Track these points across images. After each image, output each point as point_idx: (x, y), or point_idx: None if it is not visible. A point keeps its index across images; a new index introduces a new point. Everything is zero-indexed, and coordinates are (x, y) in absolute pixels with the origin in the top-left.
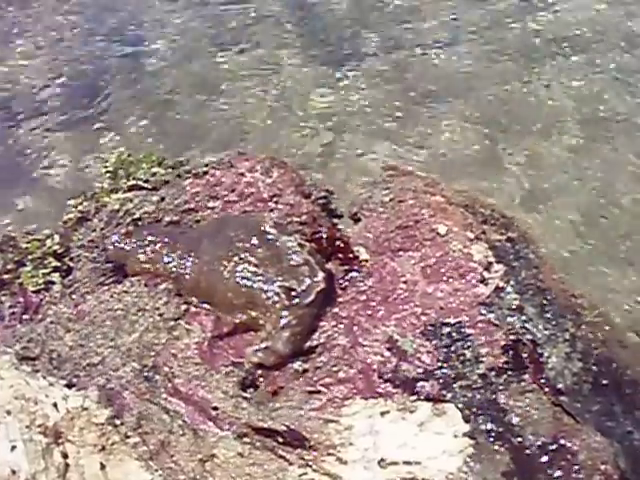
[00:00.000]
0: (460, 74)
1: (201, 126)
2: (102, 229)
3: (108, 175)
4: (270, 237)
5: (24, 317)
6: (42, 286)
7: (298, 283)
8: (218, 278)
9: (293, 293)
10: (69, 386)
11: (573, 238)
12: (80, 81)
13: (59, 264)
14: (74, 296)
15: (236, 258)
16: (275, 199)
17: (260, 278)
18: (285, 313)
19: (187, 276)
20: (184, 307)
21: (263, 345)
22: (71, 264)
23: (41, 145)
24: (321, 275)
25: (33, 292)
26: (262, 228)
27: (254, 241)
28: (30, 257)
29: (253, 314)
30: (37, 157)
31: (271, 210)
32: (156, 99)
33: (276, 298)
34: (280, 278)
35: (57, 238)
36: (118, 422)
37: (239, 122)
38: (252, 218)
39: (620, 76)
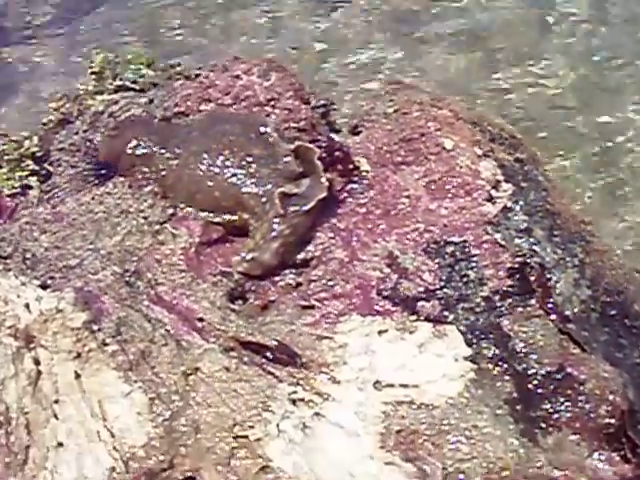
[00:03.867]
0: None
1: (194, 38)
2: (85, 131)
3: (93, 76)
4: (269, 139)
5: None
6: (18, 190)
7: (297, 188)
8: (205, 174)
9: (289, 200)
10: (43, 287)
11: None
12: None
13: (37, 168)
14: (50, 198)
15: (227, 152)
16: (272, 103)
17: (253, 179)
18: (278, 221)
19: (173, 173)
20: (170, 211)
21: (250, 255)
22: (50, 168)
23: (27, 57)
24: (325, 182)
25: (8, 196)
26: (262, 129)
27: (251, 138)
28: (6, 158)
29: (244, 216)
30: (23, 68)
31: (267, 115)
32: (148, 11)
33: (269, 204)
34: (276, 181)
35: (36, 140)
36: (95, 327)
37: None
38: (251, 117)
39: None
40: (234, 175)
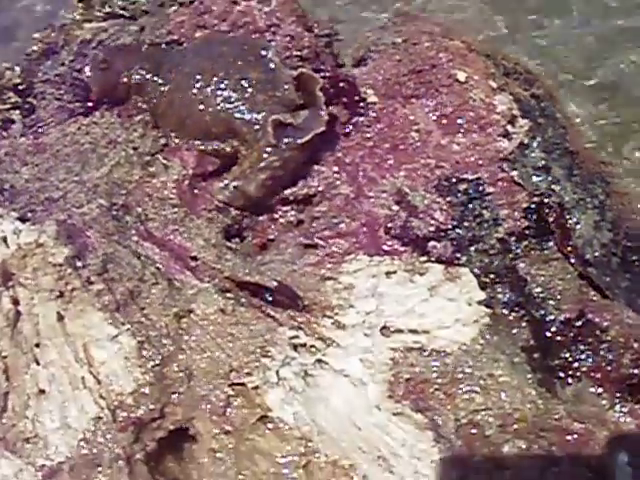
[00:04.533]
0: None
1: None
2: (71, 62)
3: (80, 4)
4: (269, 63)
5: None
6: None
7: (294, 118)
8: (196, 97)
9: (284, 130)
10: (22, 220)
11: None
12: None
13: (20, 101)
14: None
15: (222, 74)
16: (273, 30)
17: (247, 105)
18: (269, 151)
19: (164, 100)
20: (163, 141)
21: (234, 183)
22: (34, 102)
23: None
24: (325, 115)
25: None
26: (262, 52)
27: (249, 60)
28: None
29: (235, 144)
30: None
31: (269, 41)
32: None
33: (261, 132)
34: (272, 109)
35: (18, 71)
36: (79, 264)
37: None
38: (251, 39)
39: None
40: (227, 99)
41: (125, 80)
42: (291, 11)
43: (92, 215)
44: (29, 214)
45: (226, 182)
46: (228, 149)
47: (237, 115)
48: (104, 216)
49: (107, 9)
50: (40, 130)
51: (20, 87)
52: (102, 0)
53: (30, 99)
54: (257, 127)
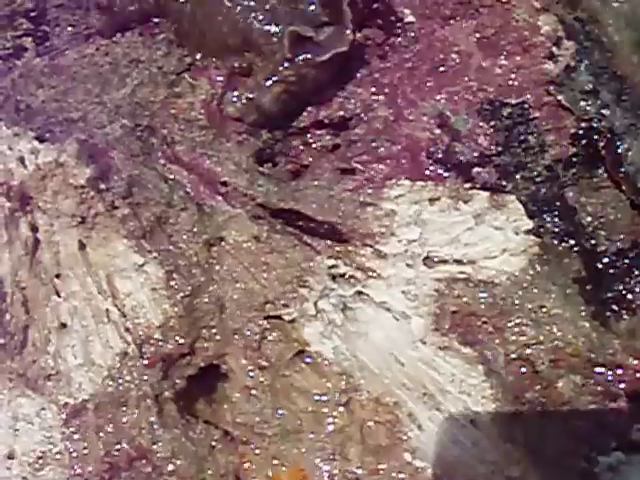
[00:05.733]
0: None
1: None
2: None
3: None
4: None
5: None
6: (11, 51)
7: (315, 33)
8: (216, 8)
9: (303, 45)
10: (40, 140)
11: None
12: None
13: (32, 27)
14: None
15: None
16: None
17: (265, 15)
18: (285, 65)
19: (187, 16)
20: (189, 60)
21: (246, 94)
22: (47, 29)
23: None
24: (349, 34)
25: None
26: None
27: None
28: None
29: (251, 57)
30: None
31: None
32: None
33: (278, 45)
34: (293, 22)
35: None
36: (102, 186)
37: None
38: None
39: None
40: (247, 8)
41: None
42: None
43: (115, 135)
44: (47, 134)
45: (237, 93)
46: (242, 65)
47: (256, 26)
48: (128, 136)
49: None
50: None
51: (32, 13)
52: None
53: (43, 26)
54: (275, 39)
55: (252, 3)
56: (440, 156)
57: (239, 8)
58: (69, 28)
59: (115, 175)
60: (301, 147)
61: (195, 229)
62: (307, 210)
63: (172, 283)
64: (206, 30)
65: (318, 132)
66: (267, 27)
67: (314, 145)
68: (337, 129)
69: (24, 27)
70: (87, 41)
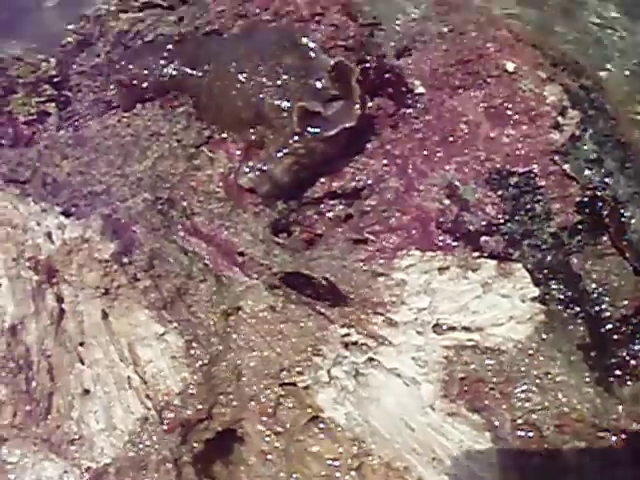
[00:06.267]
0: None
1: None
2: (108, 53)
3: None
4: (308, 51)
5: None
6: (35, 116)
7: (323, 108)
8: (231, 83)
9: (312, 119)
10: (66, 214)
11: None
12: None
13: (56, 93)
14: (71, 122)
15: (257, 59)
16: (317, 18)
17: (277, 90)
18: (295, 139)
19: (205, 91)
20: (207, 133)
21: (259, 165)
22: (70, 94)
23: None
24: (357, 109)
25: (24, 123)
26: (300, 41)
27: (284, 47)
28: (21, 82)
29: (263, 130)
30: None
31: (313, 31)
32: None
33: (288, 119)
34: (304, 97)
35: (54, 63)
36: (126, 260)
37: None
38: (290, 27)
39: None
40: (260, 84)
41: (159, 74)
42: None
43: (137, 209)
44: (72, 208)
45: (251, 164)
46: (256, 138)
47: (267, 100)
48: (149, 210)
49: None
50: (78, 122)
51: (55, 79)
52: None
53: (65, 91)
54: (285, 114)
55: (264, 79)
56: (449, 226)
57: (252, 83)
58: (90, 94)
59: (137, 249)
60: (315, 217)
61: (213, 299)
62: (321, 279)
63: (191, 352)
64: (222, 104)
65: (331, 202)
66: (278, 102)
67: (327, 215)
68: (349, 199)
69: (48, 93)
70: (108, 109)
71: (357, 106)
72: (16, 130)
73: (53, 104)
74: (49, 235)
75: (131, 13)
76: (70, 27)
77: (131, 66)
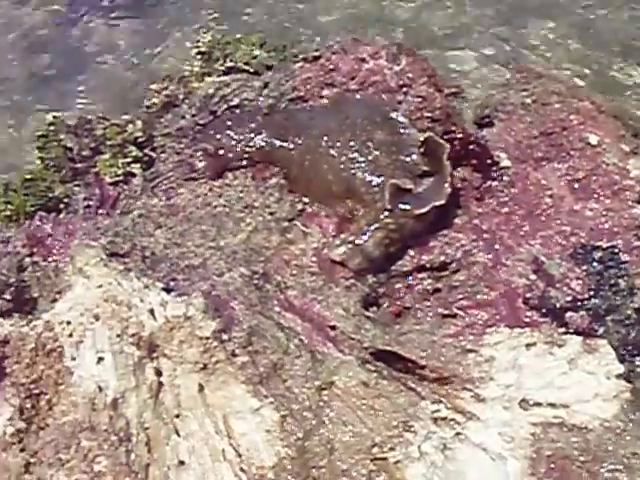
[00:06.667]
0: None
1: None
2: (193, 116)
3: (200, 57)
4: (398, 126)
5: (100, 212)
6: (121, 178)
7: (414, 185)
8: (322, 157)
9: (402, 195)
10: (167, 290)
11: None
12: None
13: (140, 154)
14: (162, 189)
15: (348, 134)
16: (404, 89)
17: (370, 166)
18: (385, 214)
19: (295, 163)
20: (300, 206)
21: (350, 238)
22: (153, 155)
23: (104, 34)
24: (448, 187)
25: (110, 184)
26: (389, 114)
27: (375, 122)
28: (109, 144)
29: (352, 204)
30: (99, 46)
31: (399, 102)
32: None
33: (378, 195)
34: (394, 173)
35: (140, 124)
36: (225, 337)
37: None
38: (380, 101)
39: None
40: (351, 159)
41: (246, 144)
42: (422, 70)
43: (235, 285)
44: (172, 283)
45: (342, 237)
46: (345, 212)
47: (359, 175)
48: (247, 286)
49: (229, 63)
50: (164, 186)
51: (140, 139)
52: (223, 54)
53: (149, 152)
54: (376, 189)
55: (356, 154)
56: (536, 302)
57: (343, 158)
58: (175, 156)
59: (236, 326)
60: (403, 290)
61: (308, 375)
62: (411, 355)
63: (286, 426)
64: (312, 177)
65: (420, 275)
66: (369, 177)
67: (416, 288)
68: (438, 272)
69: (133, 154)
70: (192, 171)
71: (447, 184)
72: (102, 191)
73: (138, 165)
74: (152, 312)
75: (215, 76)
76: (153, 87)
77: (218, 135)
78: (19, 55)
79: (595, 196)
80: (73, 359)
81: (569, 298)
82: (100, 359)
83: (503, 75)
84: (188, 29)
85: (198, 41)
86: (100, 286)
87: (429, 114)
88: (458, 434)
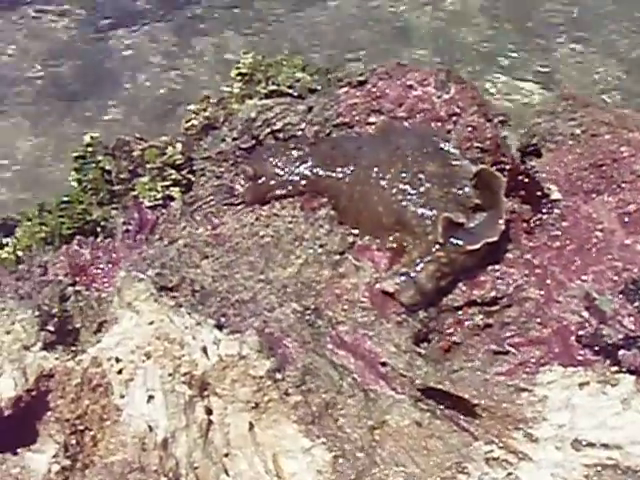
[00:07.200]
0: None
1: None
2: (234, 139)
3: (240, 78)
4: (449, 157)
5: (138, 237)
6: (160, 201)
7: (466, 220)
8: (373, 188)
9: (455, 230)
10: (219, 327)
11: None
12: None
13: (180, 177)
14: (201, 213)
15: (399, 165)
16: (454, 119)
17: (421, 199)
18: (437, 247)
19: (344, 194)
20: (350, 239)
21: (403, 270)
22: (192, 178)
23: (132, 51)
24: (502, 223)
25: (148, 207)
26: (440, 145)
27: (427, 153)
28: (148, 167)
29: (403, 236)
30: (128, 63)
31: (448, 132)
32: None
33: (430, 228)
34: (447, 206)
35: (179, 147)
36: (279, 376)
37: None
38: (430, 130)
39: None
40: (402, 191)
41: (290, 173)
42: (471, 99)
43: (288, 321)
44: (222, 318)
45: (395, 270)
46: (395, 242)
47: (410, 208)
48: (300, 323)
49: (271, 86)
50: (202, 210)
51: (179, 162)
52: (265, 76)
53: (188, 174)
54: (428, 222)
55: (407, 186)
56: (589, 340)
57: (395, 190)
58: (214, 179)
59: (290, 365)
60: (454, 325)
61: (361, 414)
62: (464, 393)
63: (338, 467)
64: (362, 208)
65: (470, 311)
66: (421, 210)
67: (467, 323)
68: (489, 307)
69: (172, 177)
70: (231, 196)
71: (502, 220)
72: (141, 215)
73: (177, 188)
74: (205, 350)
75: (257, 99)
76: (191, 107)
77: (261, 161)
78: (42, 64)
79: None
80: (122, 397)
81: (621, 335)
82: (150, 397)
83: (548, 102)
84: (226, 49)
85: (238, 62)
86: (151, 323)
87: (479, 144)
88: (510, 474)
